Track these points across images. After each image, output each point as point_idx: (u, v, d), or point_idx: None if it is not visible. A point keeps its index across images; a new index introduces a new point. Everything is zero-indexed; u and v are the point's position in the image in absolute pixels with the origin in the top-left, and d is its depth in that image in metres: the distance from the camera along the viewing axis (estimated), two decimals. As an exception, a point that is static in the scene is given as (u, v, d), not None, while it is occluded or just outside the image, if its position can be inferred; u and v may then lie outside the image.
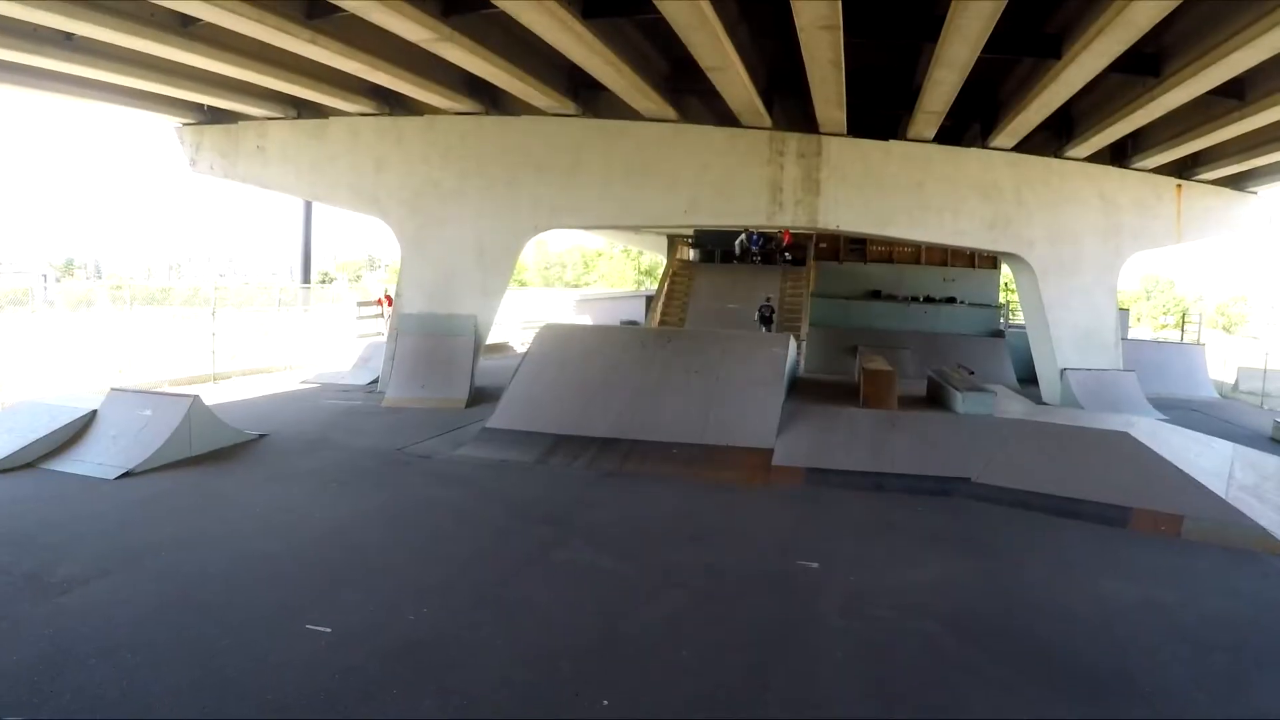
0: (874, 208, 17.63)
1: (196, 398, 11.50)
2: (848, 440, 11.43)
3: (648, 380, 12.85)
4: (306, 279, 33.71)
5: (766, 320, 22.32)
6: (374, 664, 5.43)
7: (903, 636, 6.23)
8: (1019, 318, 28.15)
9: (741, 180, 17.23)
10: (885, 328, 25.77)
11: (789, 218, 17.54)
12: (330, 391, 17.61)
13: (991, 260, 27.67)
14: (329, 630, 5.91)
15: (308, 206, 33.35)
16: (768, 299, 23.07)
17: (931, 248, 27.46)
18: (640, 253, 56.90)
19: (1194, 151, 17.28)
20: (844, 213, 17.53)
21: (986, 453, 10.99)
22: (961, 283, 27.26)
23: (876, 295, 26.64)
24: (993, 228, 18.13)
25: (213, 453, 11.30)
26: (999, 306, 28.24)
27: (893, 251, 27.23)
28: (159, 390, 14.13)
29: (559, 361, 13.58)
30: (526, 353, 14.11)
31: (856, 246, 27.40)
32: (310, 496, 9.62)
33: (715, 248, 27.57)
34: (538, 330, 14.79)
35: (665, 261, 29.47)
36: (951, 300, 26.89)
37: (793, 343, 14.26)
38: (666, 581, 7.20)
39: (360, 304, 27.41)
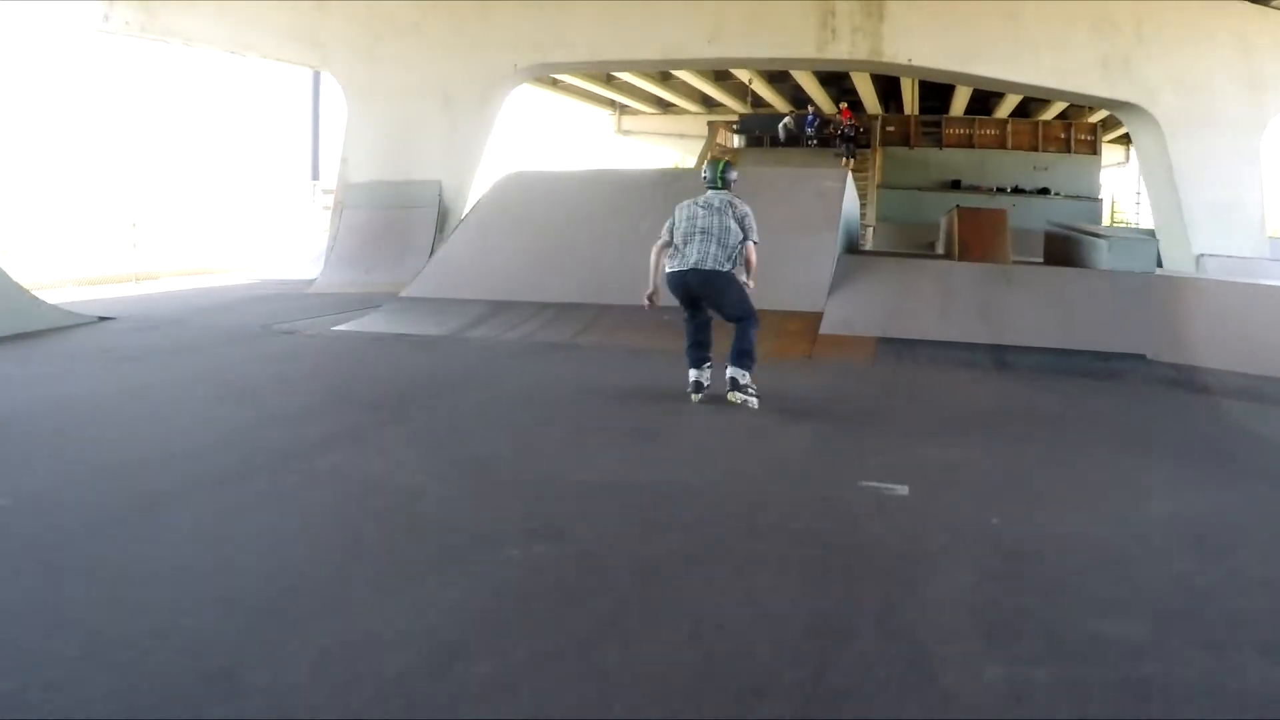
0: (955, 38, 12.86)
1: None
2: (941, 301, 7.12)
3: (639, 229, 8.58)
4: (316, 174, 29.77)
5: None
6: None
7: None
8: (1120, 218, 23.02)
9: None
10: (965, 223, 21.02)
11: (845, 48, 12.88)
12: (265, 287, 13.71)
13: (1090, 144, 22.52)
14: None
15: (316, 81, 29.02)
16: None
17: (1020, 129, 22.43)
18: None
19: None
20: (917, 43, 12.81)
21: (1165, 320, 6.53)
22: (1056, 171, 22.18)
23: (955, 186, 21.72)
24: (1106, 68, 13.20)
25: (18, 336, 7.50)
26: (1100, 200, 23.04)
27: (973, 134, 22.22)
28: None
29: (518, 214, 9.39)
30: (475, 203, 9.97)
31: (931, 128, 22.43)
32: (87, 373, 5.76)
33: (764, 132, 22.90)
34: (497, 180, 10.58)
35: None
36: (1044, 191, 21.87)
37: (849, 179, 9.76)
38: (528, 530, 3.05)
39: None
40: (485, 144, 13.87)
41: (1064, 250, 9.61)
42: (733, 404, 4.95)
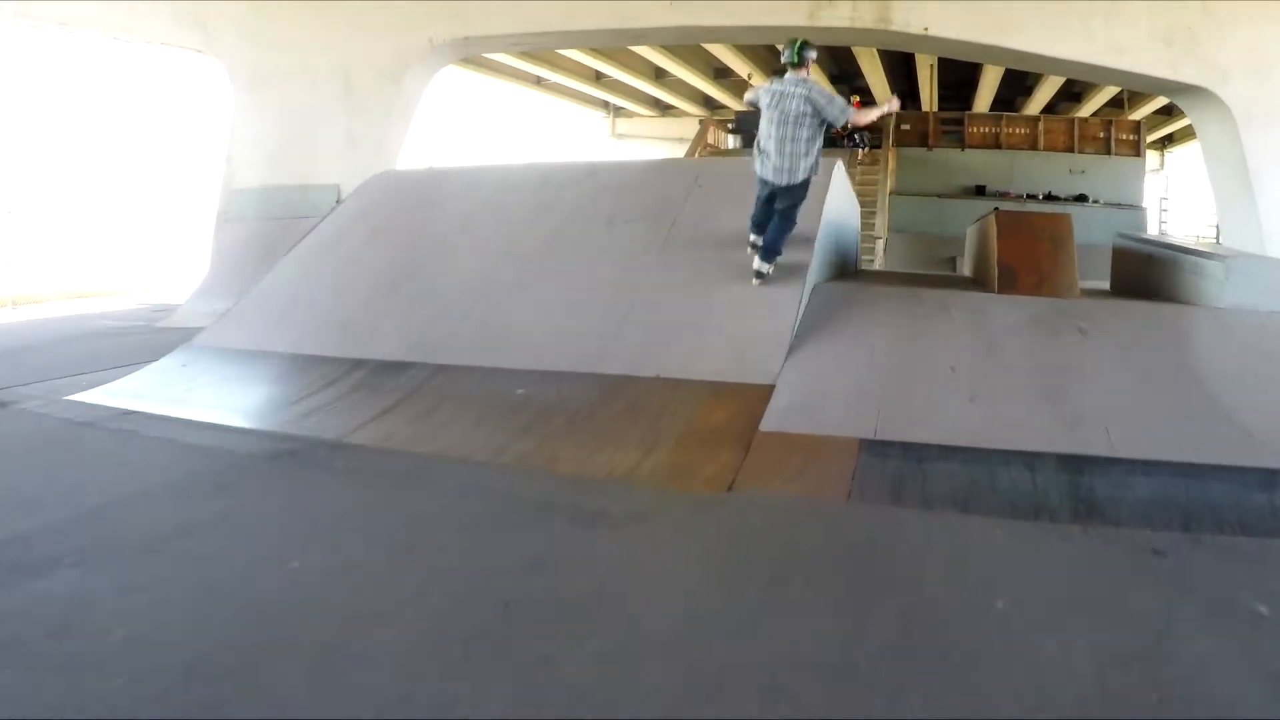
0: (983, 3, 10.17)
1: None
2: (973, 365, 4.27)
3: (523, 246, 5.86)
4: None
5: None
6: None
7: None
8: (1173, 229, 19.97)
9: (765, -52, 9.95)
10: (991, 235, 18.13)
11: (844, 14, 10.19)
12: (111, 318, 10.97)
13: (1133, 145, 19.51)
14: None
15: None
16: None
17: (1054, 127, 19.48)
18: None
19: None
20: (935, 9, 10.14)
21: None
22: (1095, 175, 19.18)
23: (980, 192, 18.78)
24: (1169, 44, 10.38)
25: None
26: (1144, 209, 19.98)
27: (1000, 133, 19.29)
28: None
29: (372, 231, 6.64)
30: (321, 220, 7.24)
31: (952, 127, 19.52)
32: None
33: (759, 133, 20.17)
34: (360, 185, 7.82)
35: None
36: (1082, 199, 18.88)
37: (841, 173, 6.95)
38: None
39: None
40: (401, 140, 11.17)
41: (1145, 275, 6.66)
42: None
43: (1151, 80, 10.95)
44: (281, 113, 10.81)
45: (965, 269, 9.74)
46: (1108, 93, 23.94)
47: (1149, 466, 3.37)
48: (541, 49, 15.31)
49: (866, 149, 18.70)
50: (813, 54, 4.98)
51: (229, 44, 11.07)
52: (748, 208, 5.30)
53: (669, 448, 3.57)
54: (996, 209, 7.53)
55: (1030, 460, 3.46)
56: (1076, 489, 3.30)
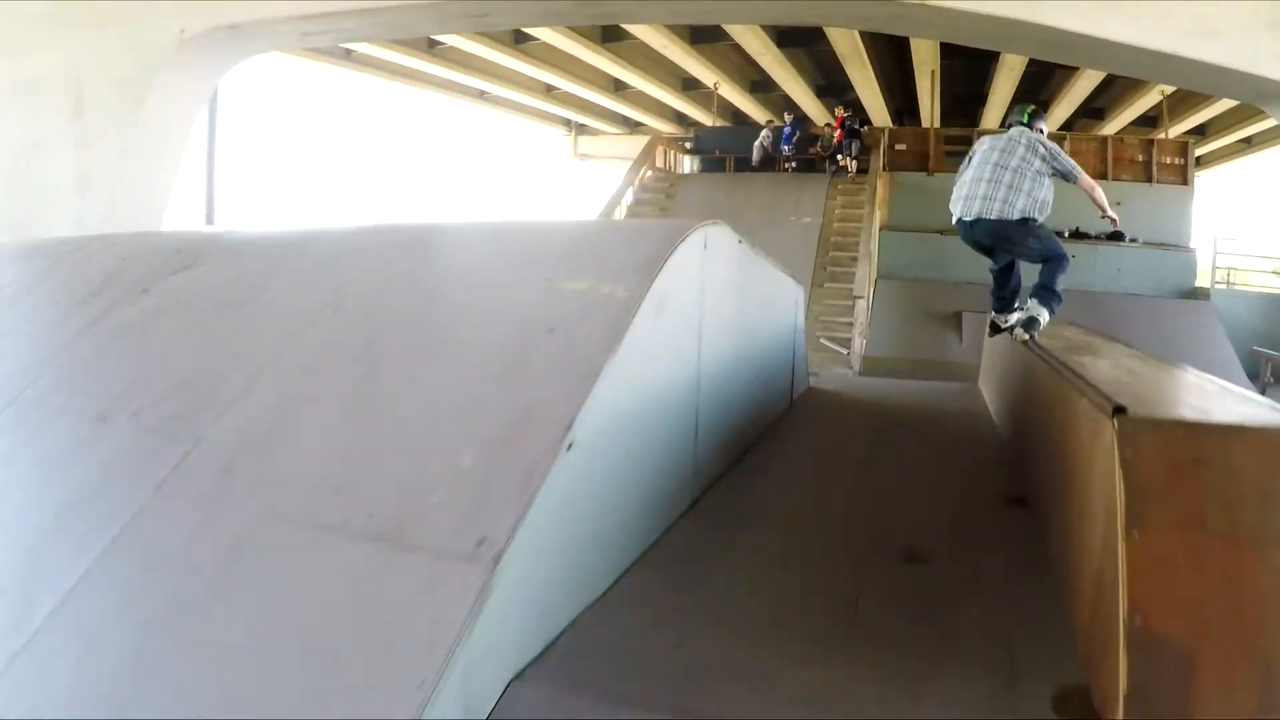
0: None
1: None
2: None
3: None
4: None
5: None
6: None
7: None
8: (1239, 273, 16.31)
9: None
10: (1005, 282, 14.62)
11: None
12: None
13: (1179, 170, 15.97)
14: None
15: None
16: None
17: (1082, 148, 15.92)
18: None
19: None
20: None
21: None
22: (1133, 207, 15.55)
23: (991, 228, 15.31)
24: (1275, 29, 7.00)
25: None
26: (1193, 251, 16.35)
27: (1017, 155, 15.76)
28: None
29: None
30: None
31: (959, 147, 15.99)
32: None
33: (729, 151, 16.66)
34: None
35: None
36: (1117, 237, 15.33)
37: (794, 293, 4.60)
38: None
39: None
40: (168, 173, 7.76)
41: None
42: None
43: (1242, 79, 7.43)
44: (-9, 140, 7.46)
45: (987, 401, 6.28)
46: (1139, 108, 20.42)
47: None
48: (358, 37, 11.56)
49: (853, 168, 15.17)
50: (1043, 123, 4.55)
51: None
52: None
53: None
54: (1119, 417, 2.41)
55: None
56: None
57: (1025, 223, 4.27)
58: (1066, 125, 21.41)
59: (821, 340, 11.09)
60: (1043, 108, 15.92)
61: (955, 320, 13.18)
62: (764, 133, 15.86)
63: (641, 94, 21.75)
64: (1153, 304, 14.21)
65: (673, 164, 16.63)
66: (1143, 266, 15.10)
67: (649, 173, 15.05)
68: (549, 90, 22.14)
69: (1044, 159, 4.22)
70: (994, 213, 4.24)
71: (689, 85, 20.80)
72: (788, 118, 15.81)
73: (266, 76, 34.48)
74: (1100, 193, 4.51)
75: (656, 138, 16.56)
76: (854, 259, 11.79)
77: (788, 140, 15.53)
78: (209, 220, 22.56)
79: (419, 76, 19.62)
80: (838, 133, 15.37)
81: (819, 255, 12.44)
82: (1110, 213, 4.60)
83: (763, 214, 13.45)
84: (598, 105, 23.11)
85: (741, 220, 12.62)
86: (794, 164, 15.60)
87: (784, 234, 12.93)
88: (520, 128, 26.26)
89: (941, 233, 15.21)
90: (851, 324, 10.64)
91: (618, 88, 21.86)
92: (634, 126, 24.99)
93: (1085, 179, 4.38)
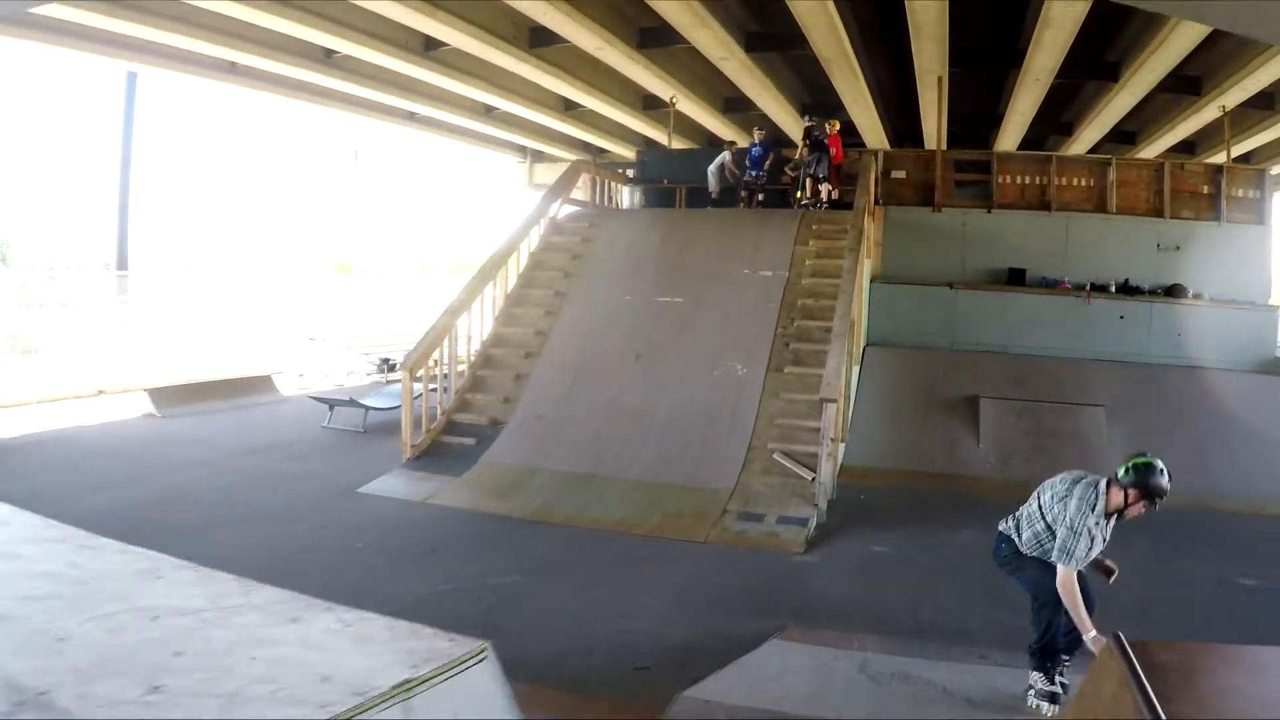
0: None
1: None
2: None
3: None
4: (123, 265, 20.34)
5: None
6: None
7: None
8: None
9: None
10: (1037, 352, 10.80)
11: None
12: None
13: (1254, 206, 12.30)
14: None
15: (126, 140, 19.69)
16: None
17: (1131, 176, 12.22)
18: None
19: None
20: None
21: None
22: (1196, 253, 11.96)
23: (1017, 279, 11.59)
24: None
25: None
26: (1276, 309, 12.53)
27: (1045, 183, 12.05)
28: None
29: None
30: None
31: (972, 175, 12.32)
32: None
33: (678, 181, 13.04)
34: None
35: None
36: (1175, 291, 11.69)
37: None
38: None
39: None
40: None
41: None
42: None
43: None
44: None
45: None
46: (1178, 133, 16.81)
47: None
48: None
49: (826, 197, 11.55)
50: (1145, 479, 3.63)
51: None
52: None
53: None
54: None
55: None
56: None
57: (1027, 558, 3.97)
58: (1095, 149, 17.89)
59: (776, 456, 7.43)
60: (1066, 129, 12.22)
61: (970, 409, 9.49)
62: (724, 155, 12.27)
63: (596, 114, 18.34)
64: (1221, 379, 10.49)
65: (609, 197, 13.02)
66: (1210, 330, 11.36)
67: (561, 209, 11.41)
68: (488, 111, 18.75)
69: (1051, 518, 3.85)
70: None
71: (651, 104, 17.38)
72: (757, 135, 12.21)
73: (181, 107, 31.44)
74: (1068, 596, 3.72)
75: (581, 162, 12.97)
76: (829, 331, 8.06)
77: (756, 164, 11.93)
78: (121, 264, 19.02)
79: (322, 92, 16.26)
80: (800, 149, 11.81)
81: (780, 323, 8.77)
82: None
83: (708, 264, 9.79)
84: (548, 128, 19.70)
85: (677, 274, 8.96)
86: (762, 196, 11.98)
87: (733, 293, 9.27)
88: (472, 156, 22.87)
89: (951, 285, 11.59)
90: (813, 486, 6.98)
91: (567, 107, 18.48)
92: (598, 153, 21.55)
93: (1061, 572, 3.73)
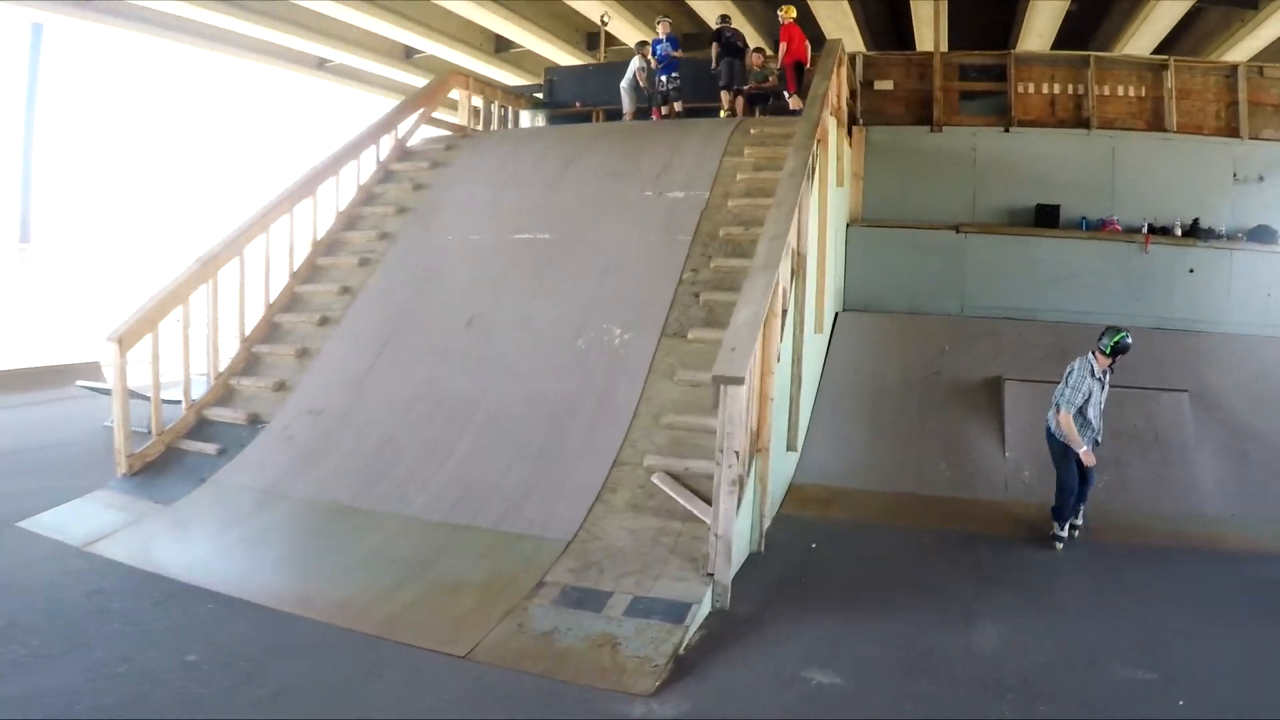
0: None
1: None
2: None
3: None
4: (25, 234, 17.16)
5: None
6: None
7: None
8: None
9: None
10: (1078, 317, 7.54)
11: None
12: None
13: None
14: None
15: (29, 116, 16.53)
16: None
17: (1194, 84, 8.93)
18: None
19: None
20: None
21: None
22: (1282, 183, 8.74)
23: (1047, 219, 8.35)
24: None
25: None
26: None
27: (1083, 94, 8.79)
28: None
29: None
30: None
31: (982, 83, 9.05)
32: None
33: (590, 102, 9.87)
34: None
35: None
36: (1261, 234, 8.45)
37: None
38: None
39: None
40: None
41: None
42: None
43: None
44: None
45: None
46: (1236, 53, 13.25)
47: None
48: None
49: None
50: (1126, 342, 5.01)
51: None
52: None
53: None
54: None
55: None
56: None
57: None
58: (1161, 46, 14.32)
59: (657, 480, 4.25)
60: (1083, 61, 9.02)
61: (989, 399, 6.31)
62: (634, 62, 9.05)
63: (532, 55, 15.19)
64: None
65: (500, 121, 9.81)
66: (1309, 289, 8.15)
67: (417, 132, 8.24)
68: (408, 54, 15.63)
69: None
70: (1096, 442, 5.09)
71: (502, 46, 14.49)
72: (661, 28, 8.97)
73: (77, 59, 28.10)
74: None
75: (453, 73, 9.69)
76: (754, 283, 4.78)
77: (666, 66, 8.71)
78: (24, 236, 15.93)
79: (248, 44, 13.53)
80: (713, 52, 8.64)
81: (690, 265, 5.56)
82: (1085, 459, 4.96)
83: (593, 187, 6.54)
84: (480, 74, 16.57)
85: (547, 204, 5.71)
86: (679, 107, 8.73)
87: (623, 225, 6.05)
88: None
89: (958, 229, 8.37)
90: (726, 451, 3.69)
91: (499, 48, 15.35)
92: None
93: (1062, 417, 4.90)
